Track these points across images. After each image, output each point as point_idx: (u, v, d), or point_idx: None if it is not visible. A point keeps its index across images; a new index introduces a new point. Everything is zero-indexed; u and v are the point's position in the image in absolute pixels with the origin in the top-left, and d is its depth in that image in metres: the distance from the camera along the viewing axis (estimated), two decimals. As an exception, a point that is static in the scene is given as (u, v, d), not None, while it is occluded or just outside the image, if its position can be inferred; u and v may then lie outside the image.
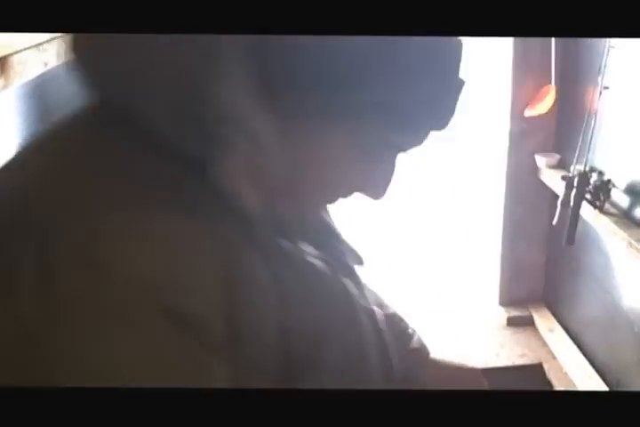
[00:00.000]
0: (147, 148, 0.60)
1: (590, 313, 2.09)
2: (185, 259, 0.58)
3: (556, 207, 1.93)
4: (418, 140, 0.72)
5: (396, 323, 1.02)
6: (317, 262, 0.77)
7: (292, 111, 0.65)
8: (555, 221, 1.94)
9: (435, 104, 0.68)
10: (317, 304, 0.72)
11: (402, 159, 0.74)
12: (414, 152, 0.73)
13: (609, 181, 1.80)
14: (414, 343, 1.03)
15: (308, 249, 0.78)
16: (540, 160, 2.17)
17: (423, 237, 3.02)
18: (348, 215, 2.92)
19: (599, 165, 1.87)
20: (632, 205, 1.72)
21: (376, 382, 0.80)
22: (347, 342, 0.76)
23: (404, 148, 0.73)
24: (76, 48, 0.64)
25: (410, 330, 1.04)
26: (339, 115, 0.65)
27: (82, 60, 0.64)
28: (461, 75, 0.70)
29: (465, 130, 2.60)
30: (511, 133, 2.21)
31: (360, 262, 0.91)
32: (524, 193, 2.29)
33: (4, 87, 1.58)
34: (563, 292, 2.30)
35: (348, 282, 0.81)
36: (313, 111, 0.65)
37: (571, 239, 1.87)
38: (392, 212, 3.07)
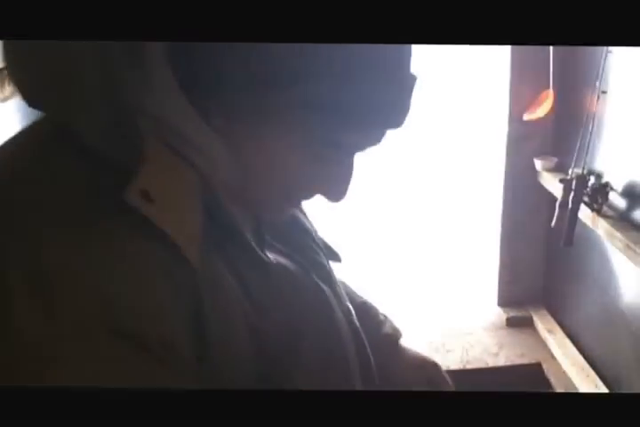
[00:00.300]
0: (91, 163, 0.59)
1: (588, 313, 2.12)
2: (132, 277, 0.56)
3: (554, 209, 1.96)
4: (372, 139, 0.68)
5: (366, 311, 1.03)
6: (288, 263, 0.76)
7: (227, 114, 0.63)
8: (553, 223, 1.97)
9: (384, 102, 0.64)
10: (290, 305, 0.71)
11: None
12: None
13: (607, 183, 1.82)
14: (387, 329, 1.04)
15: (277, 250, 0.76)
16: (539, 163, 2.20)
17: (423, 239, 3.04)
18: (350, 216, 2.94)
19: (597, 168, 1.90)
20: (629, 208, 1.75)
21: (355, 381, 0.80)
22: (324, 341, 0.75)
23: (358, 148, 0.69)
24: (10, 64, 0.63)
25: (381, 316, 1.05)
26: (275, 115, 0.63)
27: (16, 74, 0.63)
28: (413, 70, 0.67)
29: (464, 133, 2.62)
30: (510, 137, 2.24)
31: (337, 259, 0.90)
32: (523, 195, 2.32)
33: (5, 100, 1.59)
34: (561, 292, 2.33)
35: (321, 282, 0.79)
36: (249, 113, 0.63)
37: (569, 241, 1.90)
38: (392, 213, 3.10)
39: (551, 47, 2.04)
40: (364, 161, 0.73)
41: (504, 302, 2.52)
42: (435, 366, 1.06)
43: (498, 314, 2.50)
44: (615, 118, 1.81)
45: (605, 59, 1.78)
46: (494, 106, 2.27)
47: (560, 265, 2.30)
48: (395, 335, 1.05)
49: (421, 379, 1.03)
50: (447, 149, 2.91)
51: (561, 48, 2.06)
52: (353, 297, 1.01)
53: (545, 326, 2.35)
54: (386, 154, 2.99)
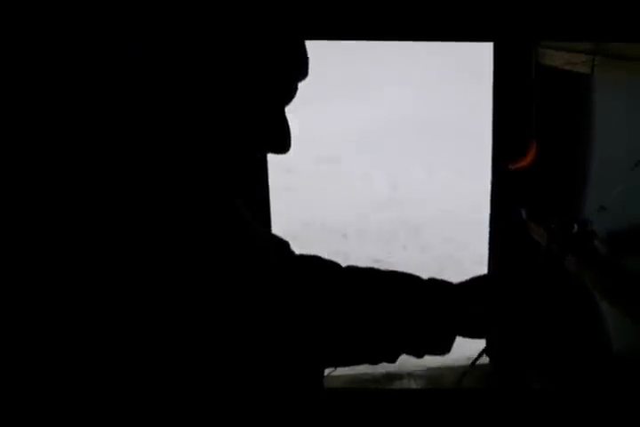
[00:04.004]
0: None
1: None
2: None
3: (540, 258, 1.95)
4: (291, 92, 0.83)
5: None
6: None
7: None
8: (539, 272, 1.96)
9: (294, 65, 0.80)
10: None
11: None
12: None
13: (592, 231, 1.83)
14: None
15: None
16: (525, 213, 2.21)
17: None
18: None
19: (582, 216, 1.90)
20: (614, 257, 1.75)
21: None
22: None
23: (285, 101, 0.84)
24: None
25: None
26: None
27: None
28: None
29: (449, 181, 2.64)
30: (495, 187, 2.25)
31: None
32: (510, 244, 2.32)
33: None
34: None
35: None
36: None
37: (555, 289, 1.89)
38: (375, 242, 3.09)
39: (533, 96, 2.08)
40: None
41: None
42: None
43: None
44: (599, 167, 1.83)
45: (587, 109, 1.81)
46: (478, 153, 2.29)
47: (548, 314, 2.28)
48: None
49: None
50: (433, 199, 2.93)
51: (543, 97, 2.09)
52: None
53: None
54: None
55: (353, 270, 1.09)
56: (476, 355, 1.42)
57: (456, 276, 2.92)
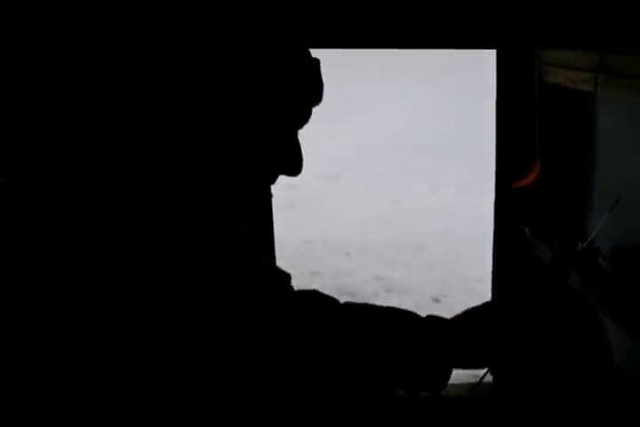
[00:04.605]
0: None
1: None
2: None
3: (543, 276, 1.95)
4: (306, 117, 0.84)
5: None
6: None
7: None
8: (543, 290, 1.95)
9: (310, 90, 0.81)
10: None
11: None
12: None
13: (596, 249, 1.82)
14: None
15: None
16: (528, 230, 2.20)
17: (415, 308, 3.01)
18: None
19: (586, 234, 1.90)
20: (619, 275, 1.74)
21: None
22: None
23: (299, 126, 0.85)
24: None
25: None
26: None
27: None
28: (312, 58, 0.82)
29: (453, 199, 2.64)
30: (498, 204, 2.25)
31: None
32: (514, 262, 2.31)
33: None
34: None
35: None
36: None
37: (559, 306, 1.88)
38: (380, 267, 3.08)
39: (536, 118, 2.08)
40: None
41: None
42: None
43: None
44: (603, 185, 1.83)
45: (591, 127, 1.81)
46: (480, 170, 2.29)
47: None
48: None
49: None
50: (435, 216, 2.92)
51: (547, 117, 2.09)
52: None
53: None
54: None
55: (351, 306, 1.09)
56: (480, 373, 1.41)
57: (460, 292, 2.92)
